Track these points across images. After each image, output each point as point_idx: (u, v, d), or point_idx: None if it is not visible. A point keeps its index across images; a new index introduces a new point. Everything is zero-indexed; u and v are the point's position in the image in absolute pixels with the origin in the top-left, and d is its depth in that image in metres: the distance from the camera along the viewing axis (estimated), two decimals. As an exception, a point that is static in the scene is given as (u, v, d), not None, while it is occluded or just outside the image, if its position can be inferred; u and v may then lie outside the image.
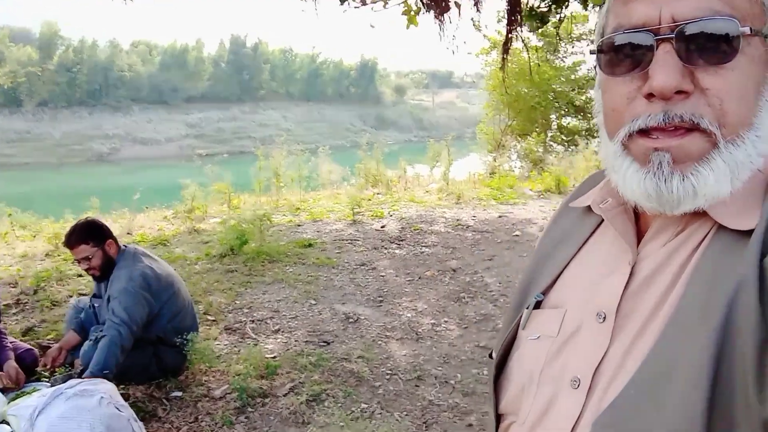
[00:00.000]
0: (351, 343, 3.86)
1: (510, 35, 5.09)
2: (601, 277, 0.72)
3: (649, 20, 0.62)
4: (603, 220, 0.78)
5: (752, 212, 0.62)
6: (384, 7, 6.38)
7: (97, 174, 34.64)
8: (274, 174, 8.94)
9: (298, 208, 8.06)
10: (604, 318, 0.68)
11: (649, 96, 0.62)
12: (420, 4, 6.21)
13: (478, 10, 6.28)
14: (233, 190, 8.77)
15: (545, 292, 0.80)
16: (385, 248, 5.99)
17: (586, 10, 4.06)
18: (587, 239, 0.80)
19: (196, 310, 4.01)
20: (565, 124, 14.97)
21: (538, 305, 0.79)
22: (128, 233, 6.54)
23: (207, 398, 3.14)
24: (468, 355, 3.75)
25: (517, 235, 6.43)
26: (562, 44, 14.39)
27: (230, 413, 3.01)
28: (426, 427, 3.02)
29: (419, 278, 5.12)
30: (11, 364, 3.00)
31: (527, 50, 7.71)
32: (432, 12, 6.29)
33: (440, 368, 3.58)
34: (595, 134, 14.03)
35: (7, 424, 2.34)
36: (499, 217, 7.33)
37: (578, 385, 0.68)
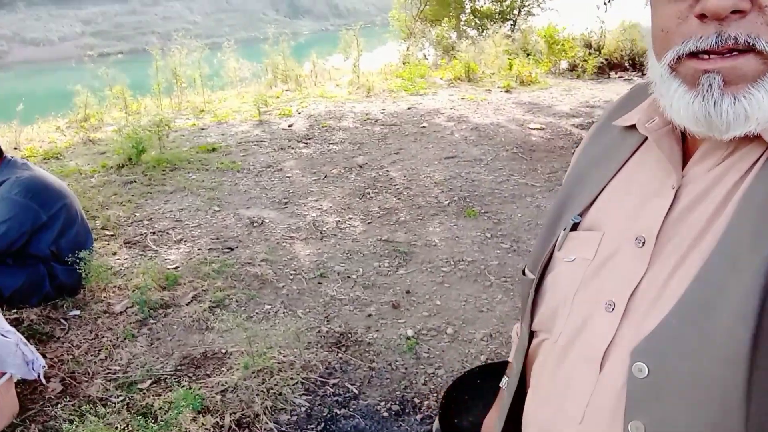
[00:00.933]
0: (255, 247, 3.90)
1: None
2: (643, 200, 0.70)
3: None
4: (646, 140, 0.74)
5: None
6: None
7: (-14, 81, 31.57)
8: (174, 74, 8.45)
9: (202, 110, 7.74)
10: (644, 243, 0.66)
11: (702, 16, 0.57)
12: None
13: None
14: (132, 94, 8.29)
15: (582, 214, 0.77)
16: (292, 148, 5.91)
17: None
18: (628, 159, 0.77)
19: (92, 225, 3.91)
20: (479, 8, 14.73)
21: (575, 227, 0.77)
22: (15, 148, 6.12)
23: (107, 314, 3.13)
24: (370, 249, 3.87)
25: (424, 127, 6.48)
26: None
27: (132, 326, 3.03)
28: (327, 321, 3.16)
29: (325, 177, 5.13)
30: None
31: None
32: None
33: (343, 264, 3.70)
34: (507, 17, 13.95)
35: None
36: (408, 109, 7.32)
37: (613, 309, 0.66)
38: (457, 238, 3.98)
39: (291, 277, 3.56)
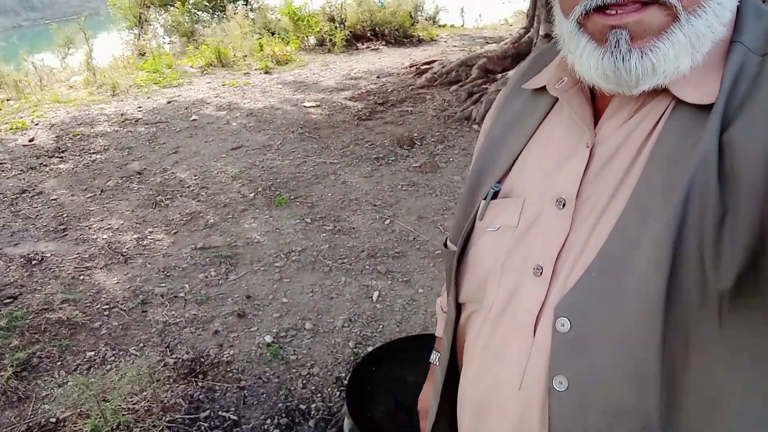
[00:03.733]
0: (46, 289, 3.25)
1: None
2: (559, 161, 0.70)
3: None
4: (557, 101, 0.74)
5: (712, 85, 0.59)
6: None
7: None
8: None
9: None
10: (564, 204, 0.67)
11: None
12: None
13: None
14: None
15: (501, 181, 0.77)
16: (46, 165, 5.02)
17: None
18: (541, 122, 0.76)
19: None
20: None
21: (495, 195, 0.76)
22: None
23: None
24: (188, 261, 3.50)
25: (195, 120, 6.02)
26: None
27: None
28: (170, 350, 2.79)
29: (102, 192, 4.47)
30: None
31: None
32: None
33: (163, 284, 3.29)
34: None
35: None
36: (169, 102, 6.73)
37: (541, 273, 0.67)
38: (278, 230, 3.81)
39: (106, 313, 3.06)
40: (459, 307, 0.83)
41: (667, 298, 0.55)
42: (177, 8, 10.95)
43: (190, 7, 12.58)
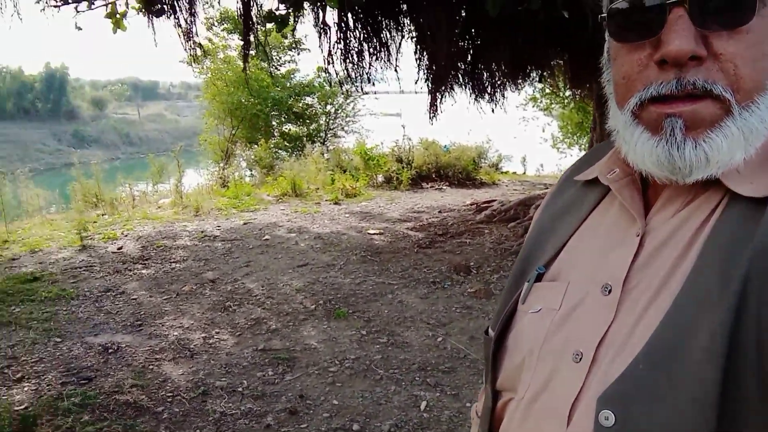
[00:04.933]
0: (118, 374, 3.49)
1: (248, 38, 5.11)
2: (607, 249, 0.69)
3: None
4: (608, 193, 0.75)
5: (767, 179, 0.60)
6: (89, 8, 5.81)
7: None
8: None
9: (6, 241, 6.86)
10: (610, 290, 0.65)
11: (662, 63, 0.59)
12: (129, 6, 5.80)
13: (191, 15, 6.14)
14: None
15: (547, 266, 0.76)
16: (130, 270, 5.50)
17: (332, 7, 4.19)
18: (591, 211, 0.77)
19: None
20: (286, 131, 15.50)
21: (539, 278, 0.76)
22: None
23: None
24: (249, 360, 3.70)
25: (267, 239, 6.50)
26: (274, 53, 14.87)
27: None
28: (224, 439, 2.92)
29: (177, 295, 4.84)
30: None
31: (268, 57, 7.69)
32: (144, 15, 5.92)
33: (224, 379, 3.47)
34: (314, 139, 14.85)
35: None
36: (245, 224, 7.30)
37: (580, 359, 0.64)
38: (334, 339, 3.99)
39: (169, 399, 3.25)
40: (496, 395, 0.80)
41: (723, 391, 0.52)
42: (260, 146, 12.08)
43: (272, 144, 13.86)
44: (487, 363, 0.80)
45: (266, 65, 13.94)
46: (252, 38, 6.28)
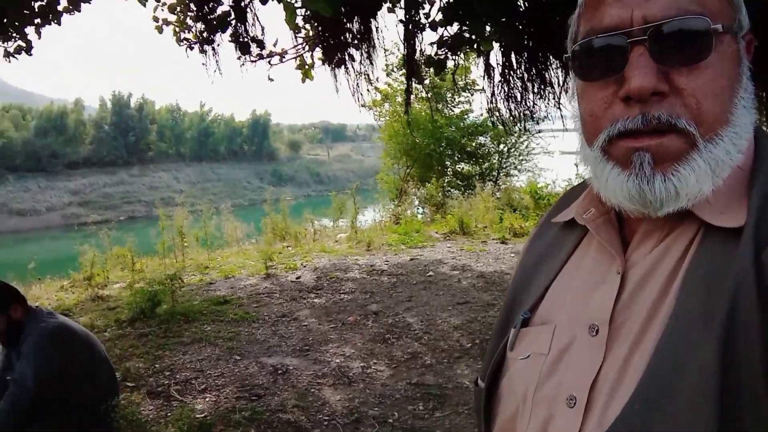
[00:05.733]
0: (283, 394, 3.80)
1: (410, 82, 5.39)
2: (590, 288, 0.70)
3: (621, 22, 0.62)
4: (586, 233, 0.76)
5: (738, 209, 0.61)
6: (281, 61, 6.52)
7: (-31, 249, 31.55)
8: (179, 234, 8.66)
9: (207, 267, 7.84)
10: (597, 331, 0.65)
11: (626, 99, 0.61)
12: (314, 58, 6.40)
13: (371, 63, 6.60)
14: (134, 254, 8.40)
15: (532, 310, 0.76)
16: (304, 298, 5.96)
17: (479, 56, 4.35)
18: (572, 252, 0.77)
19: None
20: (459, 170, 15.74)
21: (525, 323, 0.76)
22: (23, 306, 6.06)
23: (139, 467, 2.96)
24: (402, 393, 3.80)
25: (430, 276, 6.63)
26: (449, 94, 15.29)
27: (166, 479, 2.86)
28: (371, 467, 3.02)
29: (342, 324, 5.14)
30: None
31: (428, 100, 8.06)
32: (326, 66, 6.49)
33: (376, 408, 3.60)
34: (486, 178, 14.87)
35: None
36: (411, 260, 7.53)
37: (574, 404, 0.64)
38: (487, 379, 3.94)
39: (325, 422, 3.45)
40: None
41: (721, 427, 0.52)
42: (432, 184, 12.42)
43: (444, 183, 14.16)
44: (479, 415, 0.79)
45: (441, 106, 14.40)
46: (417, 83, 6.58)
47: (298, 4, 3.83)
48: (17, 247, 31.33)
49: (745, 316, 0.54)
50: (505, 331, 0.78)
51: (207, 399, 3.76)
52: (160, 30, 6.63)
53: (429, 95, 12.67)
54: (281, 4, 3.05)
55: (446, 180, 14.76)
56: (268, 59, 6.41)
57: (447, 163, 15.58)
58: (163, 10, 6.19)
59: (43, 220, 40.70)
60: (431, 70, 4.61)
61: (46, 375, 2.78)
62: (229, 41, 5.63)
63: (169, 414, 3.49)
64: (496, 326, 0.82)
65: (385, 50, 13.58)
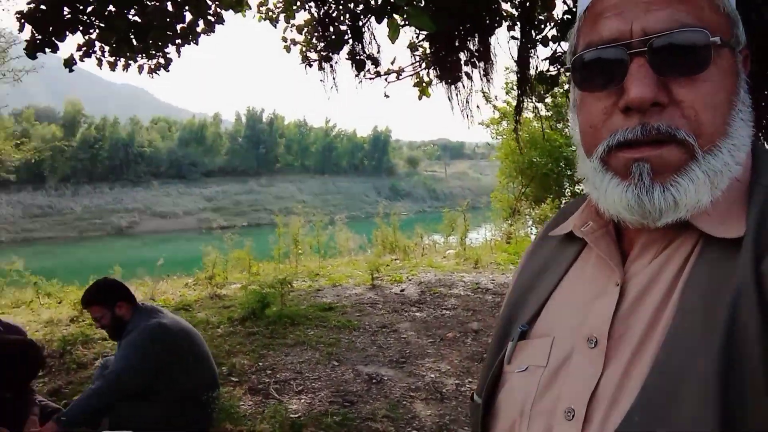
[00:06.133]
0: (375, 403, 3.84)
1: (521, 100, 5.30)
2: (589, 301, 0.69)
3: (620, 35, 0.62)
4: (585, 246, 0.75)
5: (737, 220, 0.61)
6: (398, 78, 6.65)
7: (117, 247, 35.10)
8: (294, 241, 9.08)
9: (317, 274, 8.14)
10: (596, 343, 0.65)
11: (626, 110, 0.62)
12: (431, 76, 6.47)
13: (488, 81, 6.56)
14: (252, 258, 8.91)
15: (530, 323, 0.76)
16: (406, 311, 6.00)
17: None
18: (570, 266, 0.77)
19: (219, 371, 4.04)
20: (578, 191, 15.14)
21: (523, 336, 0.75)
22: (151, 299, 6.63)
23: (233, 457, 3.12)
24: (494, 414, 3.70)
25: (537, 297, 6.43)
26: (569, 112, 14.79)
27: (257, 472, 2.99)
28: (455, 486, 2.97)
29: (441, 340, 5.11)
30: (33, 420, 3.01)
31: (541, 120, 7.91)
32: (443, 83, 6.54)
33: (466, 428, 3.54)
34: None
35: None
36: (518, 280, 7.34)
37: (573, 416, 0.63)
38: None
39: (413, 436, 3.44)
40: None
41: None
42: (547, 204, 12.05)
43: (560, 204, 13.67)
44: (476, 430, 0.78)
45: (561, 126, 13.97)
46: (537, 101, 6.43)
47: (405, 22, 3.91)
48: (156, 246, 34.37)
49: (746, 325, 0.54)
50: (502, 345, 0.78)
51: (302, 400, 3.89)
52: (288, 49, 7.06)
53: (546, 113, 12.36)
54: (388, 19, 3.13)
55: (563, 201, 14.24)
56: (384, 76, 6.59)
57: (565, 183, 15.06)
58: (291, 30, 6.59)
59: (180, 223, 44.37)
60: (543, 86, 4.52)
61: (137, 370, 3.01)
62: (346, 59, 5.85)
63: (264, 410, 3.64)
64: (493, 340, 0.81)
65: (506, 68, 13.44)
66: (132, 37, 4.75)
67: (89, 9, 4.31)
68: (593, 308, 0.68)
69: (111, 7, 4.41)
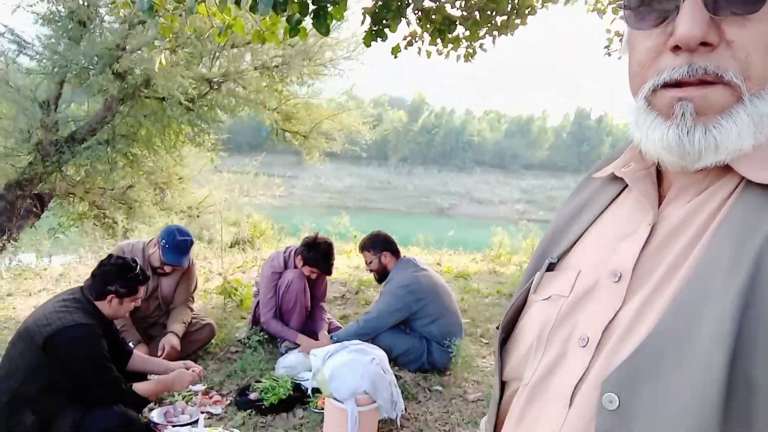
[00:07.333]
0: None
1: None
2: (620, 238, 0.70)
3: None
4: (625, 188, 0.76)
5: None
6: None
7: (437, 225, 38.48)
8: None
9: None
10: (620, 277, 0.65)
11: (675, 48, 0.60)
12: None
13: None
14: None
15: (560, 257, 0.77)
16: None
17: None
18: (608, 206, 0.78)
19: (474, 332, 4.48)
20: None
21: (551, 268, 0.77)
22: (438, 264, 7.42)
23: (461, 398, 3.50)
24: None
25: None
26: None
27: (478, 416, 3.32)
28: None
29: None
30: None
31: None
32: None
33: None
34: None
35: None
36: None
37: (586, 343, 0.64)
38: None
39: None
40: (503, 386, 0.80)
41: (730, 377, 0.51)
42: None
43: None
44: (497, 355, 0.82)
45: None
46: None
47: None
48: (470, 230, 36.57)
49: None
50: (531, 277, 0.81)
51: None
52: (610, 41, 6.96)
53: None
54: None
55: None
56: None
57: None
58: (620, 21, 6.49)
59: (495, 210, 46.45)
60: None
61: (391, 312, 3.68)
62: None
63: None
64: (523, 275, 0.83)
65: None
66: (445, 28, 5.39)
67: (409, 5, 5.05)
68: (622, 245, 0.68)
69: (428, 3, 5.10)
